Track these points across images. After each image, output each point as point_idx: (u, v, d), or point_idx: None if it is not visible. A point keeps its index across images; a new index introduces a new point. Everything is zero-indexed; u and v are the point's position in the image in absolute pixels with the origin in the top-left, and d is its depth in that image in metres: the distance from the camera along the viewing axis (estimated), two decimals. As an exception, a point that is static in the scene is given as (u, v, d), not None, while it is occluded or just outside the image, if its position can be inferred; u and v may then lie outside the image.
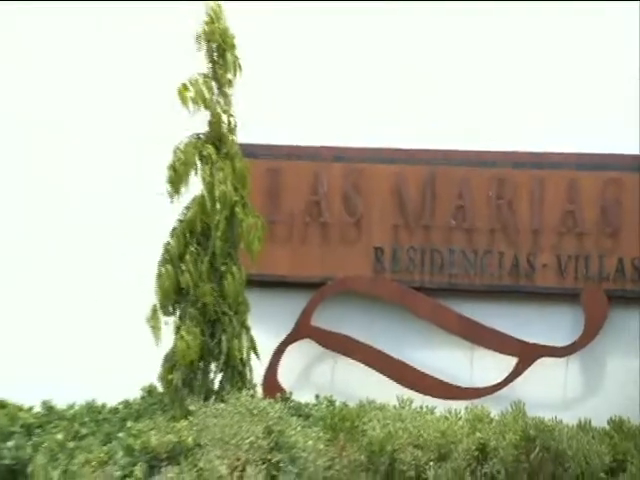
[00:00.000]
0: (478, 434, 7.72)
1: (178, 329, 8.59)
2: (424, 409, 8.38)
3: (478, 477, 7.72)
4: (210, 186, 8.37)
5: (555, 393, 9.29)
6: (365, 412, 8.31)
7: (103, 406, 9.09)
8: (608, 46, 10.17)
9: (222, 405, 8.19)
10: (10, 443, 8.74)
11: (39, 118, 10.46)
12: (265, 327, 9.14)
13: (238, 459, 7.89)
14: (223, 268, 8.55)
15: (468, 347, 9.61)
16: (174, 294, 8.59)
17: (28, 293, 10.14)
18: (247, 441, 7.90)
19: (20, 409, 9.43)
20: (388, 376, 9.42)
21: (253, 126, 8.93)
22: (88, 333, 9.54)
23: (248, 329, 8.68)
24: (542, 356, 9.47)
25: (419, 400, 8.68)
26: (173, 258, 8.57)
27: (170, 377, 8.65)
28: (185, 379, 8.59)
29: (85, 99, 10.23)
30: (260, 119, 9.02)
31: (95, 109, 10.10)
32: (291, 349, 9.55)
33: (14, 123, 10.91)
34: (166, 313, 8.62)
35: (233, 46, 8.64)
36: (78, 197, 9.76)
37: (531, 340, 9.51)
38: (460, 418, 8.16)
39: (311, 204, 9.60)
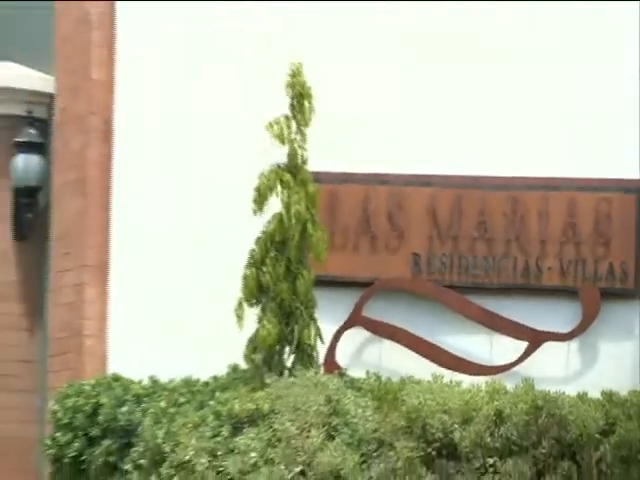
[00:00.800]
0: (495, 403, 7.87)
1: (260, 319, 8.95)
2: (452, 383, 8.55)
3: (495, 438, 8.11)
4: (287, 206, 8.68)
5: (558, 370, 9.52)
6: (404, 386, 8.46)
7: (197, 380, 9.34)
8: (604, 87, 10.21)
9: (292, 379, 8.49)
10: (124, 409, 9.20)
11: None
12: (326, 317, 9.32)
13: (305, 422, 8.34)
14: (296, 271, 8.84)
15: (488, 333, 9.86)
16: (257, 291, 8.89)
17: (152, 283, 10.41)
18: (312, 408, 8.20)
19: (131, 382, 9.77)
20: (424, 356, 9.76)
21: (318, 157, 9.06)
22: (186, 321, 9.93)
23: (315, 320, 8.99)
24: (548, 340, 9.70)
25: (448, 376, 8.78)
26: (256, 262, 8.88)
27: (252, 357, 8.89)
28: (264, 359, 8.87)
29: (194, 126, 10.54)
30: (323, 151, 9.04)
31: (199, 137, 10.45)
32: (346, 335, 9.91)
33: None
34: (250, 306, 8.92)
35: (310, 95, 8.84)
36: (199, 209, 10.22)
37: (539, 328, 9.72)
38: (481, 390, 8.25)
39: (362, 220, 9.97)
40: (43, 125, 11.17)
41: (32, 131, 11.14)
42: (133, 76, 10.70)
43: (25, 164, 11.08)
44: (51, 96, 11.12)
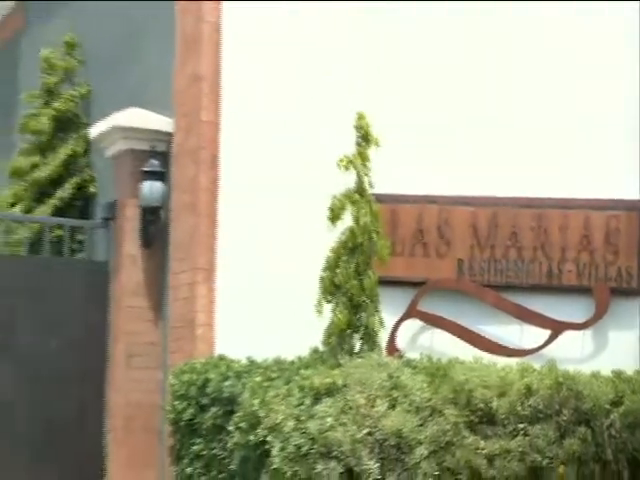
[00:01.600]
0: (525, 379, 7.89)
1: (333, 310, 9.07)
2: (490, 363, 8.62)
3: (525, 407, 8.06)
4: (357, 220, 8.76)
5: (575, 354, 9.52)
6: (452, 365, 8.43)
7: (285, 360, 9.39)
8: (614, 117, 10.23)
9: (360, 360, 8.53)
10: (227, 383, 9.25)
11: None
12: (388, 310, 9.27)
13: (370, 394, 8.38)
14: (363, 272, 8.87)
15: (518, 324, 9.91)
16: (331, 288, 8.97)
17: (250, 282, 10.47)
18: (376, 383, 8.24)
19: (233, 361, 9.88)
20: (466, 342, 9.77)
21: (381, 181, 9.04)
22: (276, 312, 9.97)
23: (379, 311, 9.00)
24: (567, 329, 9.72)
25: (487, 358, 8.84)
26: (331, 266, 8.91)
27: (329, 341, 8.95)
28: (338, 343, 8.93)
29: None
30: (384, 177, 9.03)
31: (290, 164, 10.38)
32: (404, 325, 9.96)
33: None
34: (326, 302, 8.97)
35: (372, 135, 8.87)
36: (286, 223, 10.26)
37: (559, 319, 9.73)
38: (513, 369, 8.32)
39: (416, 232, 10.05)
40: (164, 157, 11.25)
41: (155, 162, 11.19)
42: (234, 118, 10.73)
43: (150, 188, 11.12)
44: (170, 134, 11.22)
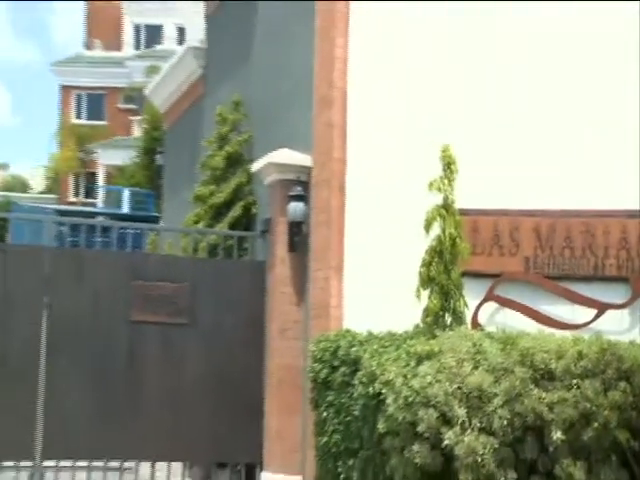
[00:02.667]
0: (577, 347, 7.65)
1: (429, 297, 8.95)
2: (549, 335, 8.40)
3: (577, 367, 7.84)
4: (443, 229, 8.77)
5: (616, 327, 9.23)
6: (520, 336, 8.26)
7: (395, 332, 9.34)
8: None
9: (451, 333, 8.46)
10: (353, 349, 9.28)
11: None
12: (471, 295, 9.22)
13: (459, 358, 8.26)
14: (450, 267, 8.85)
15: (571, 304, 9.70)
16: (427, 281, 8.92)
17: (368, 276, 10.50)
18: (463, 349, 8.24)
19: (357, 333, 9.80)
20: (531, 318, 9.61)
21: (464, 198, 9.00)
22: (388, 298, 9.94)
23: (463, 297, 8.94)
24: (609, 309, 9.53)
25: (547, 330, 8.80)
26: (426, 263, 8.89)
27: (426, 320, 8.93)
28: (433, 320, 8.92)
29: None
30: (467, 195, 9.04)
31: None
32: (484, 306, 9.85)
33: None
34: (424, 289, 8.92)
35: (455, 164, 8.83)
36: (395, 231, 10.20)
37: (604, 301, 9.56)
38: (568, 339, 8.12)
39: (493, 236, 9.89)
40: (305, 185, 11.22)
41: (299, 189, 11.12)
42: (356, 156, 10.70)
43: (295, 208, 11.09)
44: (310, 168, 11.20)
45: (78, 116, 48.75)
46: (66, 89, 49.35)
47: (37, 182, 54.62)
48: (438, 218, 8.91)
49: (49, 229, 14.31)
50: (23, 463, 11.10)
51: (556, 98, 10.13)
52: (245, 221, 13.54)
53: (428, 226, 8.94)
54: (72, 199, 45.44)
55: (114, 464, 11.52)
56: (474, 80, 10.34)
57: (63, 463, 11.23)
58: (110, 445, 11.11)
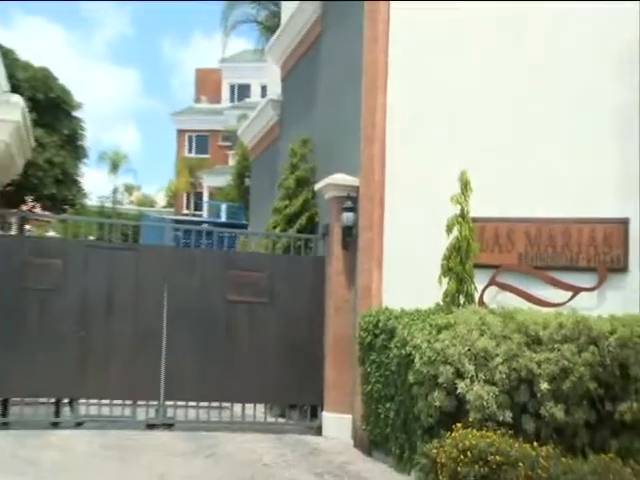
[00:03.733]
0: (558, 320, 7.64)
1: (448, 282, 8.94)
2: (537, 311, 8.42)
3: (559, 334, 7.47)
4: (460, 232, 8.71)
5: (587, 305, 8.99)
6: (516, 311, 8.18)
7: (421, 309, 9.10)
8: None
9: (463, 309, 8.43)
10: (390, 322, 9.34)
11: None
12: (480, 281, 9.16)
13: (469, 328, 7.80)
14: (465, 261, 8.77)
15: (553, 288, 9.44)
16: (447, 270, 8.88)
17: (402, 267, 10.30)
18: (472, 321, 7.89)
19: (393, 310, 9.74)
20: (524, 299, 9.33)
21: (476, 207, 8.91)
22: (416, 283, 9.79)
23: (474, 282, 8.86)
24: (582, 291, 9.35)
25: (536, 307, 8.80)
26: (446, 257, 8.86)
27: (445, 300, 8.88)
28: (451, 300, 8.85)
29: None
30: (478, 206, 8.93)
31: None
32: (488, 289, 9.62)
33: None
34: (444, 277, 8.92)
35: (470, 189, 8.94)
36: (422, 234, 10.02)
37: (578, 285, 9.39)
38: (551, 314, 8.02)
39: (495, 238, 9.72)
40: (354, 200, 11.02)
41: (350, 202, 10.99)
42: (392, 179, 10.56)
43: (347, 217, 10.98)
44: (357, 187, 11.00)
45: (189, 151, 49.93)
46: (181, 132, 50.51)
47: (160, 199, 55.42)
48: (456, 224, 8.94)
49: (168, 234, 14.46)
50: (151, 402, 11.29)
51: (544, 135, 9.88)
52: (310, 227, 13.38)
53: (449, 229, 8.98)
54: (185, 212, 46.18)
55: (215, 404, 11.69)
56: (483, 119, 10.12)
57: (179, 403, 11.42)
58: (212, 390, 11.27)
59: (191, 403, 11.45)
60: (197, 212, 44.89)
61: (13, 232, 12.21)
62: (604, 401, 7.42)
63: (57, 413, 11.27)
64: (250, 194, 22.27)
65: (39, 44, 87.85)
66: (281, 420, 12.21)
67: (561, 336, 7.60)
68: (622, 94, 9.52)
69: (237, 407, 11.75)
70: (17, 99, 10.86)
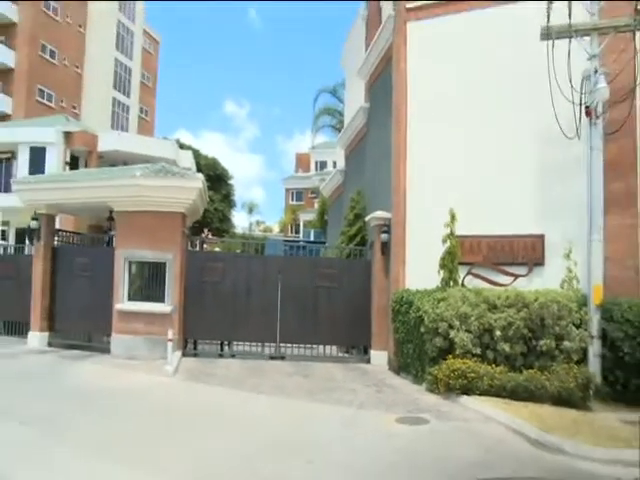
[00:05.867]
0: (506, 294, 8.02)
1: (444, 273, 8.97)
2: (494, 289, 8.58)
3: (506, 302, 7.84)
4: (450, 243, 8.80)
5: (523, 285, 8.75)
6: (482, 290, 8.37)
7: (427, 289, 9.09)
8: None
9: (452, 289, 8.62)
10: (409, 297, 9.18)
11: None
12: (461, 272, 9.09)
13: (456, 300, 8.12)
14: (453, 260, 8.93)
15: (504, 275, 9.21)
16: (442, 265, 8.96)
17: (418, 266, 10.10)
18: (458, 296, 8.22)
19: (410, 290, 9.64)
20: (487, 282, 9.18)
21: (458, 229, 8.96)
22: (426, 273, 9.29)
23: (458, 273, 8.95)
24: (520, 277, 9.14)
25: (494, 287, 8.78)
26: (443, 258, 9.01)
27: (442, 283, 8.97)
28: (445, 283, 8.94)
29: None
30: (460, 227, 9.00)
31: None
32: (467, 278, 9.34)
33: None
34: (440, 269, 8.95)
35: (455, 219, 8.91)
36: (435, 240, 9.75)
37: (517, 273, 9.16)
38: (501, 291, 8.28)
39: (471, 246, 9.42)
40: (388, 226, 10.93)
41: (385, 227, 10.99)
42: (411, 214, 10.47)
43: (384, 236, 10.97)
44: (390, 219, 10.88)
45: (292, 200, 50.75)
46: (287, 190, 51.73)
47: (276, 228, 56.37)
48: (448, 239, 9.02)
49: (280, 248, 15.02)
50: (272, 344, 11.55)
51: (499, 187, 9.59)
52: (362, 242, 13.18)
53: (444, 241, 9.03)
54: (290, 235, 46.83)
55: (308, 345, 11.84)
56: (459, 177, 9.86)
57: (287, 344, 11.62)
58: (306, 337, 11.54)
59: (295, 344, 11.67)
60: (297, 235, 45.49)
61: (197, 249, 12.58)
62: (531, 340, 7.67)
63: (221, 349, 11.85)
64: (327, 224, 22.48)
65: (211, 144, 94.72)
66: (346, 355, 12.20)
67: (507, 303, 7.89)
68: (543, 158, 9.29)
69: (321, 347, 11.86)
70: (199, 175, 11.55)
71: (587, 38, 8.01)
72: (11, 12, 32.35)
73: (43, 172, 20.68)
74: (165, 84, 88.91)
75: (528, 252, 9.35)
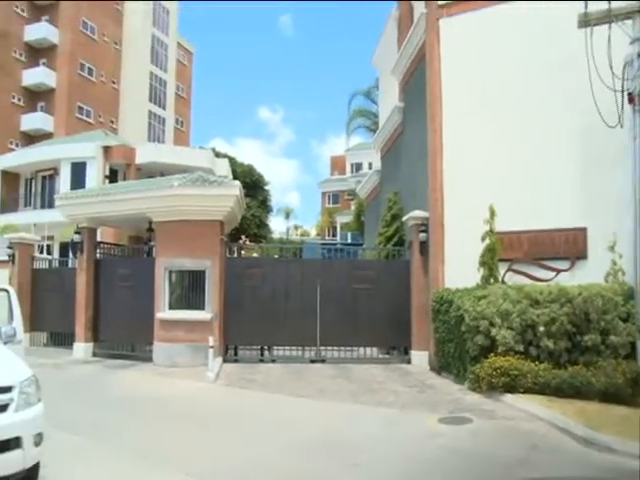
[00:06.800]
0: (548, 289, 7.94)
1: (484, 270, 9.06)
2: (537, 284, 8.51)
3: (548, 298, 7.75)
4: (490, 239, 8.85)
5: (565, 279, 8.60)
6: (524, 285, 8.31)
7: (468, 287, 9.10)
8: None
9: (492, 286, 8.59)
10: (449, 296, 9.22)
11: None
12: (502, 269, 9.15)
13: (497, 297, 8.10)
14: (493, 257, 8.91)
15: (545, 270, 9.17)
16: (482, 263, 8.99)
17: (455, 265, 10.06)
18: (499, 293, 8.21)
19: (450, 289, 9.66)
20: (529, 278, 9.18)
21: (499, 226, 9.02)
22: (464, 270, 9.33)
23: (498, 269, 9.05)
24: (562, 272, 9.05)
25: (535, 283, 8.72)
26: (483, 255, 9.07)
27: (482, 280, 8.99)
28: (485, 280, 8.96)
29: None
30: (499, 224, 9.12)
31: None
32: (507, 274, 9.38)
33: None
34: (480, 266, 9.00)
35: (495, 215, 8.92)
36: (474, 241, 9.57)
37: (559, 268, 9.06)
38: (544, 286, 8.22)
39: (511, 242, 9.36)
40: (426, 225, 10.91)
41: (423, 227, 10.94)
42: (448, 212, 10.39)
43: (422, 235, 10.84)
44: (427, 218, 10.87)
45: (328, 203, 50.86)
46: (324, 193, 51.99)
47: (313, 232, 56.76)
48: (487, 236, 9.00)
49: (318, 251, 15.13)
50: (312, 347, 11.68)
51: (538, 182, 9.54)
52: (400, 243, 13.16)
53: (483, 239, 9.01)
54: (327, 238, 47.07)
55: (348, 348, 11.90)
56: (497, 173, 9.85)
57: (328, 347, 11.75)
58: (346, 339, 11.61)
59: (335, 347, 11.77)
60: (334, 238, 45.67)
61: (236, 255, 12.68)
62: (576, 335, 7.54)
63: (262, 354, 12.05)
64: (364, 225, 22.40)
65: (246, 151, 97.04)
66: (387, 356, 12.21)
67: (550, 299, 7.77)
68: (583, 149, 9.11)
69: (361, 349, 11.91)
70: (236, 183, 11.70)
71: (628, 22, 7.76)
72: (52, 35, 33.95)
73: (84, 186, 21.31)
74: (199, 93, 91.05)
75: (570, 246, 9.21)
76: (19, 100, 33.48)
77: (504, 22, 9.88)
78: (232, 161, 33.42)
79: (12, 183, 26.28)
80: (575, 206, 9.15)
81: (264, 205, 38.23)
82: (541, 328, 7.68)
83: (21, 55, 33.80)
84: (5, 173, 26.13)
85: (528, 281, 9.04)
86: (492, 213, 9.00)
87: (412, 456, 5.11)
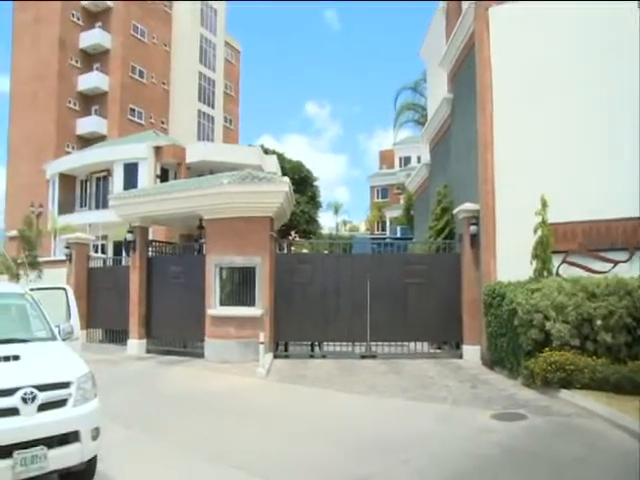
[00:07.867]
0: (605, 281, 7.79)
1: (536, 264, 8.94)
2: (593, 276, 8.43)
3: (606, 290, 7.66)
4: (542, 232, 8.68)
5: (623, 271, 8.55)
6: (580, 278, 8.26)
7: (521, 280, 8.96)
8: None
9: (546, 279, 8.56)
10: (502, 289, 9.20)
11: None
12: (556, 261, 9.02)
13: (551, 290, 8.03)
14: (546, 249, 8.80)
15: (601, 262, 9.04)
16: (535, 255, 8.91)
17: (506, 260, 9.93)
18: (553, 286, 8.21)
19: (502, 282, 9.54)
20: (585, 270, 9.06)
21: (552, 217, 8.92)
22: (513, 265, 9.31)
23: (552, 262, 8.95)
24: (619, 263, 8.99)
25: (592, 275, 8.61)
26: (535, 248, 8.91)
27: (535, 274, 8.91)
28: (539, 273, 8.89)
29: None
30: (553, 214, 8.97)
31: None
32: (562, 266, 9.27)
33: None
34: (533, 259, 8.90)
35: (547, 206, 8.81)
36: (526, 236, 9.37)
37: (616, 259, 9.01)
38: (601, 278, 8.06)
39: (564, 233, 9.30)
40: (477, 218, 10.82)
41: (474, 220, 10.89)
42: (500, 204, 10.29)
43: (473, 228, 10.90)
44: (478, 210, 10.78)
45: (377, 197, 50.63)
46: (372, 187, 51.67)
47: (362, 227, 56.75)
48: (539, 227, 8.88)
49: (368, 246, 15.17)
50: (362, 343, 11.71)
51: (592, 172, 9.42)
52: (450, 236, 12.93)
53: (535, 231, 8.90)
54: (376, 232, 46.99)
55: (399, 343, 11.99)
56: (549, 164, 9.76)
57: (378, 342, 11.75)
58: (397, 334, 11.64)
59: (385, 342, 11.80)
60: (383, 232, 45.56)
61: (285, 251, 12.74)
62: (636, 329, 7.37)
63: (312, 350, 12.21)
64: (414, 219, 22.21)
65: (294, 147, 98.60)
66: (438, 351, 12.18)
67: (608, 291, 7.61)
68: None
69: (412, 344, 11.95)
70: (285, 179, 11.70)
71: (695, -2, 7.52)
72: (105, 40, 35.46)
73: (136, 186, 22.02)
74: (247, 91, 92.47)
75: (628, 236, 9.02)
76: (75, 105, 35.09)
77: (555, 7, 9.68)
78: (281, 157, 33.90)
79: (69, 185, 27.69)
80: (634, 195, 8.92)
81: (313, 201, 38.59)
82: (598, 322, 7.52)
83: (77, 62, 35.45)
84: (63, 176, 27.59)
85: (584, 273, 8.89)
86: (544, 204, 8.88)
87: (464, 453, 5.06)
